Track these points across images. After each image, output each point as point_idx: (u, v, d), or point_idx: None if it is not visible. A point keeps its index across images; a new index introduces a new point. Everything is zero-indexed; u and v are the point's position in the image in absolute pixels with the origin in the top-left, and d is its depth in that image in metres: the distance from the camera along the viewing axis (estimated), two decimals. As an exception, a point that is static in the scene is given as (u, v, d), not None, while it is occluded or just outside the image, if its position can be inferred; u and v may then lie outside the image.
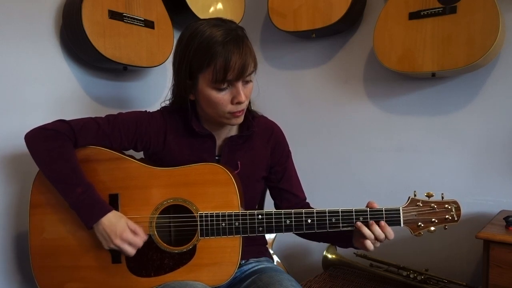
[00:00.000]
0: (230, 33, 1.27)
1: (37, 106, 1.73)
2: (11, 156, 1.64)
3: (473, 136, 1.95)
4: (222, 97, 1.30)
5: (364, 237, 1.26)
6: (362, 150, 2.22)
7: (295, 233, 1.35)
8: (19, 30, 1.68)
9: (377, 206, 1.29)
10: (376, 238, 1.26)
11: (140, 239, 1.27)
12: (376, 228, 1.25)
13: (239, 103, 1.31)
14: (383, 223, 1.26)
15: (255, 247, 1.50)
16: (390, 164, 2.15)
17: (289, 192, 1.51)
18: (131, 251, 1.27)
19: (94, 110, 1.90)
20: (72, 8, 1.71)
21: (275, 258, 2.13)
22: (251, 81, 1.34)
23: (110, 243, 1.26)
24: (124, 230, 1.26)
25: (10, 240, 1.66)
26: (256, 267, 1.43)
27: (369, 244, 1.27)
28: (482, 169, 1.93)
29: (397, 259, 1.99)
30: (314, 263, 2.33)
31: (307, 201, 1.54)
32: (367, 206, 1.29)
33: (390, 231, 1.27)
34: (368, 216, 1.27)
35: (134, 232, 1.27)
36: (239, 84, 1.29)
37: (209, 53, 1.25)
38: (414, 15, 1.83)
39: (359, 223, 1.26)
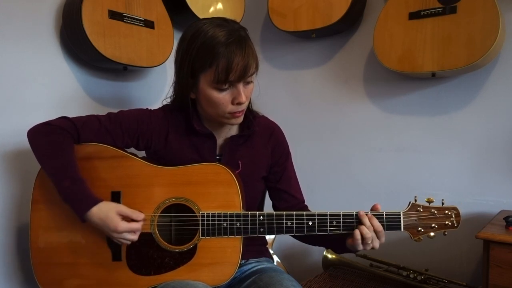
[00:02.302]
0: (233, 34, 1.27)
1: (37, 106, 1.73)
2: (12, 155, 1.64)
3: (473, 136, 1.95)
4: (223, 97, 1.30)
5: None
6: (362, 150, 2.22)
7: (291, 235, 1.35)
8: (19, 30, 1.68)
9: (380, 207, 1.29)
10: (375, 231, 1.26)
11: (137, 223, 1.27)
12: (375, 221, 1.26)
13: (240, 103, 1.31)
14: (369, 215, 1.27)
15: (255, 247, 1.50)
16: (390, 164, 2.15)
17: (288, 193, 1.51)
18: (133, 238, 1.27)
19: (94, 110, 1.90)
20: (72, 8, 1.71)
21: (275, 258, 2.13)
22: (252, 81, 1.34)
23: (107, 233, 1.27)
24: (116, 223, 1.24)
25: (11, 236, 1.66)
26: (256, 267, 1.43)
27: (366, 231, 1.25)
28: (482, 169, 1.93)
29: (397, 259, 1.99)
30: (314, 263, 2.33)
31: (305, 203, 1.54)
32: (371, 209, 1.30)
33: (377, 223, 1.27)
34: None
35: (128, 219, 1.27)
36: (240, 85, 1.29)
37: (211, 54, 1.25)
38: (414, 15, 1.83)
39: (361, 212, 1.26)
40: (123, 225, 1.25)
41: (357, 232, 1.25)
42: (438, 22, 1.79)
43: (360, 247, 1.27)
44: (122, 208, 1.28)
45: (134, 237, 1.27)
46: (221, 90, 1.29)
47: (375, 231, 1.26)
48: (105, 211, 1.27)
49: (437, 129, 2.02)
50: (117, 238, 1.26)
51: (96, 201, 1.27)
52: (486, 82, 1.91)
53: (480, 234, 1.53)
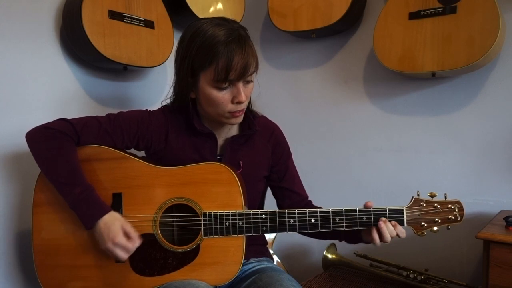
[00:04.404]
0: (233, 33, 1.27)
1: (37, 106, 1.73)
2: (12, 155, 1.64)
3: (473, 136, 1.95)
4: (223, 96, 1.30)
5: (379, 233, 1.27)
6: (362, 150, 2.22)
7: (299, 232, 1.35)
8: (19, 30, 1.67)
9: (372, 204, 1.30)
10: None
11: (132, 244, 1.26)
12: (389, 226, 1.27)
13: (239, 102, 1.31)
14: (394, 222, 1.28)
15: (255, 247, 1.50)
16: (390, 164, 2.15)
17: (291, 190, 1.51)
18: (123, 256, 1.25)
19: (94, 110, 1.90)
20: (72, 8, 1.71)
21: (275, 258, 2.13)
22: (251, 81, 1.34)
23: (103, 246, 1.25)
24: (116, 234, 1.24)
25: (13, 239, 1.66)
26: (256, 267, 1.43)
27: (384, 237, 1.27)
28: (482, 169, 1.94)
29: (397, 259, 1.99)
30: (314, 263, 2.33)
31: (309, 199, 1.54)
32: (364, 207, 1.30)
33: (401, 229, 1.29)
34: (372, 216, 1.28)
35: (128, 236, 1.26)
36: (240, 84, 1.30)
37: (211, 52, 1.25)
38: (414, 15, 1.83)
39: (382, 224, 1.27)
40: (122, 240, 1.25)
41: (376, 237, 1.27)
42: (438, 22, 1.79)
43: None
44: (127, 226, 1.27)
45: (124, 256, 1.26)
46: (221, 89, 1.29)
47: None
48: (113, 220, 1.27)
49: (437, 129, 2.02)
50: (109, 249, 1.24)
51: (107, 210, 1.28)
52: (486, 82, 1.91)
53: (480, 234, 1.53)
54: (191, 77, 1.32)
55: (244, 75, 1.28)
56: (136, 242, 1.27)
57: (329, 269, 2.09)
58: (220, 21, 1.31)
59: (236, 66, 1.25)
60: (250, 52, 1.28)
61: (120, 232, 1.25)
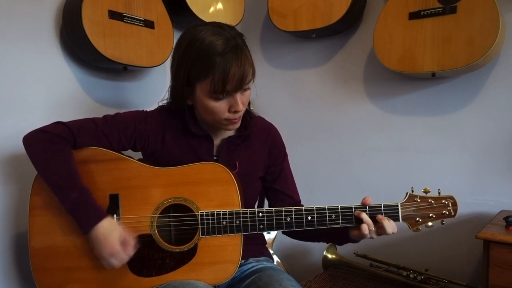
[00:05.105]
0: (229, 43, 1.25)
1: (37, 106, 1.73)
2: (10, 156, 1.64)
3: (473, 136, 1.95)
4: (219, 106, 1.30)
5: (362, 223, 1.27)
6: (362, 150, 2.22)
7: (285, 233, 1.35)
8: (19, 30, 1.68)
9: (370, 201, 1.30)
10: (381, 229, 1.27)
11: (127, 255, 1.26)
12: (385, 221, 1.26)
13: (236, 111, 1.31)
14: (387, 218, 1.28)
15: (254, 247, 1.50)
16: (390, 164, 2.15)
17: (284, 193, 1.51)
18: (117, 265, 1.26)
19: (94, 110, 1.90)
20: (72, 8, 1.71)
21: (275, 258, 2.13)
22: (249, 88, 1.33)
23: (98, 254, 1.26)
24: (113, 246, 1.24)
25: (9, 241, 1.65)
26: (255, 267, 1.43)
27: (365, 227, 1.26)
28: (482, 169, 1.93)
29: (397, 259, 1.99)
30: (314, 263, 2.33)
31: (302, 204, 1.54)
32: (362, 202, 1.30)
33: (393, 224, 1.28)
34: (367, 212, 1.28)
35: (124, 245, 1.26)
36: (237, 94, 1.29)
37: (207, 64, 1.24)
38: (414, 15, 1.83)
39: (357, 211, 1.28)
40: (118, 251, 1.25)
41: (364, 227, 1.26)
42: (438, 22, 1.79)
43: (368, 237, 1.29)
44: (125, 235, 1.27)
45: (118, 265, 1.26)
46: (217, 99, 1.29)
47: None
48: (110, 230, 1.26)
49: (437, 129, 2.02)
50: (105, 258, 1.25)
51: (103, 215, 1.27)
52: (486, 82, 1.91)
53: (480, 234, 1.53)
54: (187, 85, 1.32)
55: (241, 86, 1.27)
56: (130, 252, 1.27)
57: (329, 269, 2.09)
58: (217, 30, 1.29)
59: (233, 78, 1.24)
60: (246, 62, 1.27)
61: (117, 243, 1.25)
